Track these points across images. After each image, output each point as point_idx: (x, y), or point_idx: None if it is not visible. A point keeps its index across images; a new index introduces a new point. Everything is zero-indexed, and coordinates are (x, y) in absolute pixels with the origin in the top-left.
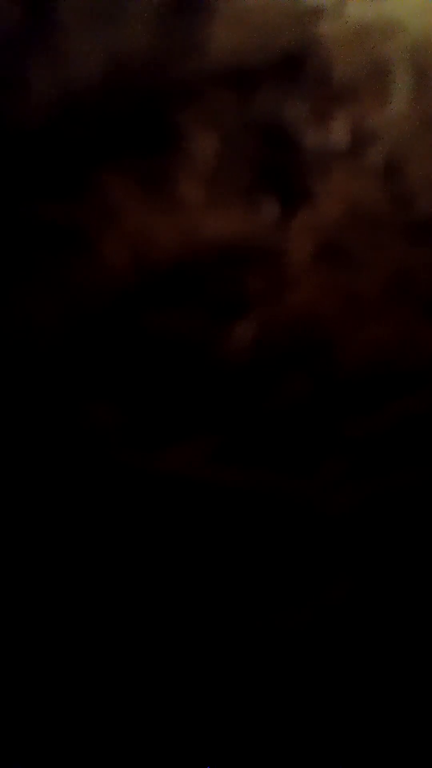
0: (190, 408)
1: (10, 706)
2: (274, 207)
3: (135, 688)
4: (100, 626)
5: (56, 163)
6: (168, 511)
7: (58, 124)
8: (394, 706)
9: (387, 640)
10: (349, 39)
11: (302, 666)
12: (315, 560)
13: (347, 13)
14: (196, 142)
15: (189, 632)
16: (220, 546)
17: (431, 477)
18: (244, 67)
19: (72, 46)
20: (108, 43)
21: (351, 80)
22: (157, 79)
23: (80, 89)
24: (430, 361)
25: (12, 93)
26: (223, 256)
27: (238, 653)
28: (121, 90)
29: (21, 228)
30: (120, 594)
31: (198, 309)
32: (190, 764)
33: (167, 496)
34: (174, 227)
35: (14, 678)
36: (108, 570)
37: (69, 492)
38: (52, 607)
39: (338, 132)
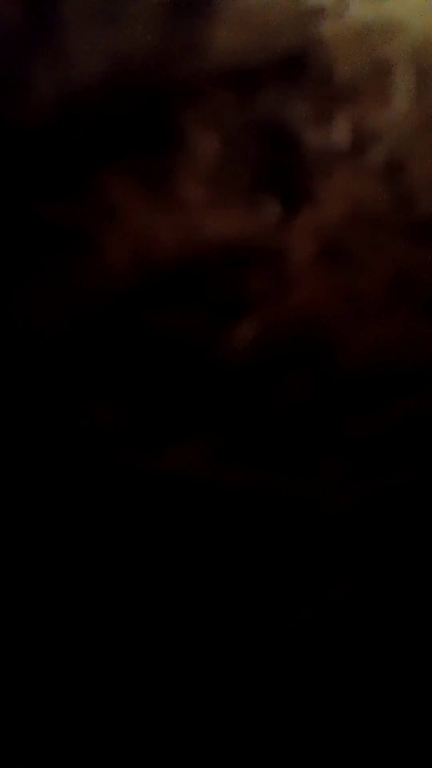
0: (190, 408)
1: (10, 706)
2: (275, 207)
3: (135, 687)
4: (100, 625)
5: (57, 163)
6: (169, 511)
7: (60, 124)
8: (395, 706)
9: (388, 639)
10: (350, 39)
11: (302, 666)
12: (315, 560)
13: (348, 13)
14: (197, 142)
15: (189, 632)
16: (220, 546)
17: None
18: (246, 67)
19: (73, 46)
20: (109, 43)
21: (352, 80)
22: (158, 79)
23: (81, 89)
24: (431, 361)
25: (13, 93)
26: (224, 256)
27: (239, 653)
28: (122, 90)
29: (22, 228)
30: (120, 593)
31: (199, 309)
32: (190, 764)
33: (168, 496)
34: (175, 227)
35: (14, 678)
36: (108, 569)
37: (70, 492)
38: (52, 606)
39: (339, 132)
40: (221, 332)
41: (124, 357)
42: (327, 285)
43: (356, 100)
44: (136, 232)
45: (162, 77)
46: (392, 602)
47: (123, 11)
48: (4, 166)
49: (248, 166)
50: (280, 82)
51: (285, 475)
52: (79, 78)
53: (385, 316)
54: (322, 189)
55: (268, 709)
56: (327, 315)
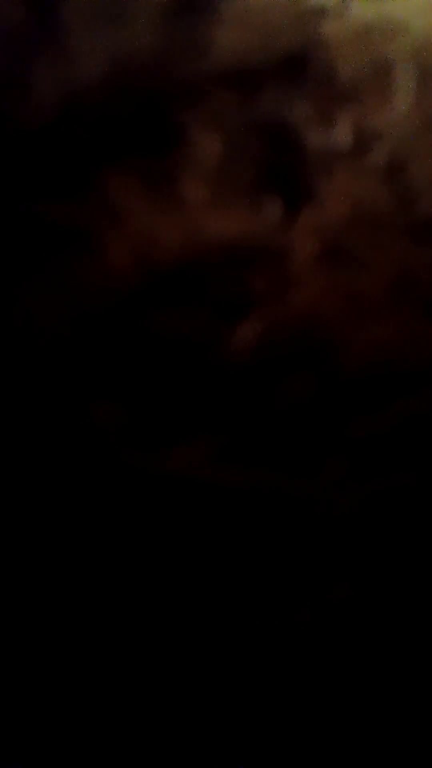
0: (192, 408)
1: (11, 706)
2: (276, 207)
3: (135, 686)
4: (101, 625)
5: (59, 163)
6: (170, 510)
7: (61, 124)
8: (395, 706)
9: (388, 639)
10: (351, 39)
11: (302, 665)
12: (316, 560)
13: (349, 13)
14: (198, 143)
15: (190, 631)
16: (222, 545)
17: None
18: (247, 68)
19: (75, 46)
20: (111, 43)
21: (353, 80)
22: (159, 79)
23: (83, 89)
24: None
25: (15, 93)
26: (225, 256)
27: (239, 652)
28: (123, 90)
29: (24, 228)
30: (122, 592)
31: (200, 309)
32: (190, 764)
33: (170, 496)
34: (177, 227)
35: (14, 678)
36: (110, 568)
37: (72, 491)
38: (53, 605)
39: (341, 132)
40: (223, 332)
41: (126, 357)
42: (328, 285)
43: (357, 100)
44: (138, 232)
45: (163, 77)
46: (393, 602)
47: (124, 12)
48: (6, 166)
49: (249, 166)
50: (282, 82)
51: (286, 475)
52: (80, 78)
53: (386, 317)
54: (323, 189)
55: (267, 708)
56: (328, 315)
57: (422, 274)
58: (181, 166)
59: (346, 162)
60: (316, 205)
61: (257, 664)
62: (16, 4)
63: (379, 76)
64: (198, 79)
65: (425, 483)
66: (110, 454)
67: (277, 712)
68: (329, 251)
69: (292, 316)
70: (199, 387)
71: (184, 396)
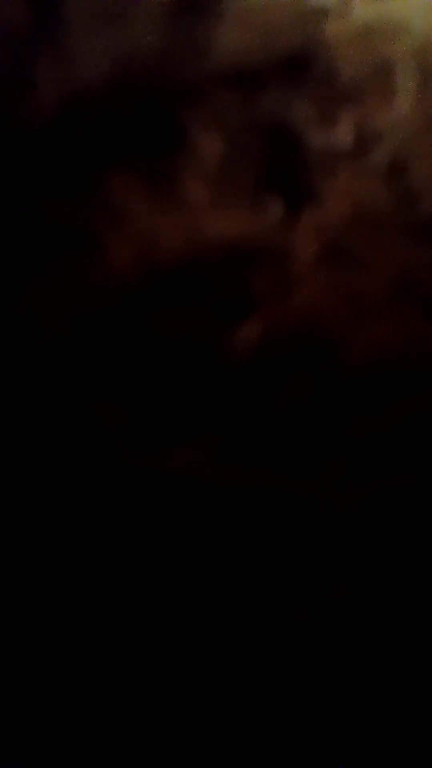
0: (193, 408)
1: (10, 705)
2: (278, 207)
3: (135, 686)
4: (101, 624)
5: (60, 163)
6: (171, 510)
7: (62, 124)
8: (395, 706)
9: (388, 639)
10: (353, 39)
11: (302, 665)
12: (316, 560)
13: (351, 13)
14: (200, 143)
15: (190, 630)
16: (223, 545)
17: None
18: (248, 68)
19: (76, 46)
20: (112, 43)
21: (355, 80)
22: (161, 79)
23: (84, 89)
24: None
25: (17, 93)
26: (227, 256)
27: (238, 652)
28: (125, 90)
29: (26, 228)
30: (122, 592)
31: (202, 309)
32: (190, 764)
33: (170, 496)
34: (178, 227)
35: (14, 678)
36: (111, 568)
37: (73, 491)
38: (54, 605)
39: (342, 132)
40: (224, 332)
41: (127, 357)
42: (329, 285)
43: (359, 100)
44: (139, 233)
45: (164, 78)
46: (393, 602)
47: (125, 12)
48: (8, 166)
49: (251, 166)
50: (283, 83)
51: (286, 475)
52: (81, 78)
53: (387, 317)
54: (324, 189)
55: (267, 708)
56: (329, 315)
57: (423, 275)
58: (182, 166)
59: (347, 162)
60: (317, 206)
61: (257, 664)
62: (17, 4)
63: (381, 77)
64: (199, 79)
65: (425, 483)
66: (111, 453)
67: (276, 712)
68: (330, 251)
69: (293, 316)
70: (199, 387)
71: (185, 396)
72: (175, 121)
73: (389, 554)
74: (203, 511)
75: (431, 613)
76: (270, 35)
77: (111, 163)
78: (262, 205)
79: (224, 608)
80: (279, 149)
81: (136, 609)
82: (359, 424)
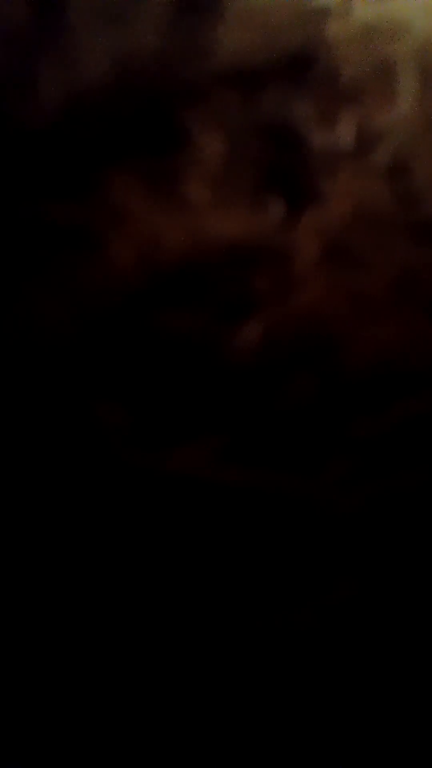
0: (195, 408)
1: (10, 705)
2: (279, 207)
3: (135, 686)
4: (101, 624)
5: (62, 163)
6: (173, 510)
7: (64, 124)
8: (395, 706)
9: (389, 640)
10: (355, 40)
11: (302, 666)
12: (318, 560)
13: (352, 13)
14: (201, 143)
15: (190, 630)
16: (223, 545)
17: None
18: (250, 68)
19: (78, 46)
20: (114, 44)
21: (356, 81)
22: (162, 79)
23: (86, 90)
24: None
25: (19, 93)
26: (228, 256)
27: (239, 652)
28: (126, 91)
29: (28, 228)
30: (123, 592)
31: (204, 309)
32: (190, 764)
33: (172, 496)
34: (180, 228)
35: (14, 678)
36: (112, 568)
37: (74, 491)
38: (54, 605)
39: (343, 132)
40: (226, 333)
41: (129, 357)
42: (331, 285)
43: (360, 100)
44: (141, 233)
45: (166, 78)
46: (394, 603)
47: (127, 12)
48: (10, 167)
49: (253, 166)
50: (285, 83)
51: (288, 476)
52: (83, 79)
53: (389, 317)
54: (326, 189)
55: (267, 708)
56: (331, 315)
57: (425, 275)
58: (183, 166)
59: (349, 162)
60: (319, 206)
61: (257, 664)
62: (17, 4)
63: (383, 77)
64: (200, 78)
65: (427, 483)
66: (113, 454)
67: (276, 713)
68: (332, 251)
69: (295, 317)
70: (200, 386)
71: (186, 395)
72: (176, 121)
73: (390, 554)
74: (204, 511)
75: None
76: (271, 35)
77: (112, 163)
78: (265, 205)
79: (224, 608)
80: (280, 149)
81: (136, 608)
82: (361, 424)
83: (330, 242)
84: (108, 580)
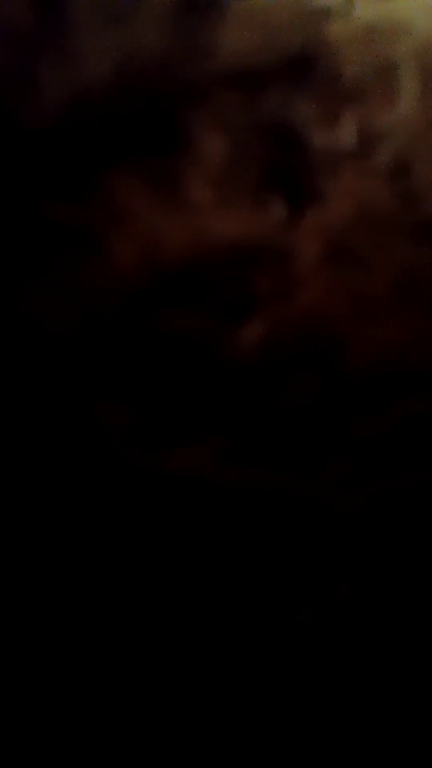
0: (197, 408)
1: (10, 705)
2: (281, 207)
3: (135, 686)
4: (101, 624)
5: (65, 163)
6: (174, 510)
7: (67, 124)
8: (395, 706)
9: (390, 640)
10: (356, 40)
11: (303, 666)
12: (318, 560)
13: (353, 14)
14: (203, 143)
15: (191, 630)
16: (224, 545)
17: None
18: (252, 68)
19: (80, 47)
20: (116, 44)
21: (357, 81)
22: (164, 79)
23: (88, 90)
24: None
25: (21, 93)
26: (230, 256)
27: (239, 652)
28: (129, 91)
29: (30, 228)
30: (123, 591)
31: (205, 309)
32: (190, 764)
33: (174, 496)
34: (182, 228)
35: (14, 678)
36: (113, 568)
37: (76, 490)
38: (54, 605)
39: (346, 133)
40: (228, 332)
41: (130, 357)
42: (333, 285)
43: (361, 100)
44: (143, 233)
45: (168, 78)
46: (395, 603)
47: (128, 12)
48: (11, 166)
49: (254, 166)
50: (286, 83)
51: (288, 476)
52: (84, 79)
53: (391, 317)
54: (327, 189)
55: (267, 708)
56: (333, 315)
57: (426, 275)
58: (185, 166)
59: (351, 162)
60: (320, 206)
61: (257, 664)
62: (19, 4)
63: (384, 77)
64: (201, 79)
65: (427, 483)
66: (115, 453)
67: (276, 713)
68: (333, 252)
69: (296, 317)
70: (201, 386)
71: (187, 395)
72: (178, 121)
73: (391, 554)
74: (204, 511)
75: None
76: (272, 35)
77: (113, 163)
78: (266, 205)
79: (224, 608)
80: (281, 149)
81: (136, 608)
82: (362, 424)
83: (331, 242)
84: (109, 580)
